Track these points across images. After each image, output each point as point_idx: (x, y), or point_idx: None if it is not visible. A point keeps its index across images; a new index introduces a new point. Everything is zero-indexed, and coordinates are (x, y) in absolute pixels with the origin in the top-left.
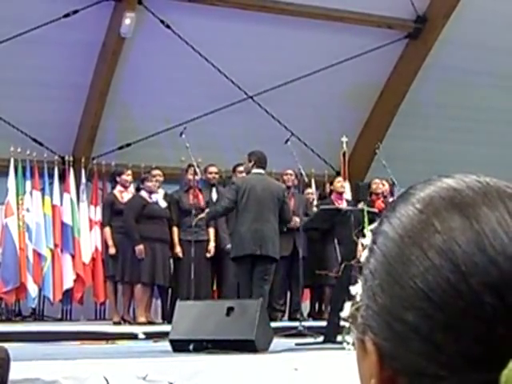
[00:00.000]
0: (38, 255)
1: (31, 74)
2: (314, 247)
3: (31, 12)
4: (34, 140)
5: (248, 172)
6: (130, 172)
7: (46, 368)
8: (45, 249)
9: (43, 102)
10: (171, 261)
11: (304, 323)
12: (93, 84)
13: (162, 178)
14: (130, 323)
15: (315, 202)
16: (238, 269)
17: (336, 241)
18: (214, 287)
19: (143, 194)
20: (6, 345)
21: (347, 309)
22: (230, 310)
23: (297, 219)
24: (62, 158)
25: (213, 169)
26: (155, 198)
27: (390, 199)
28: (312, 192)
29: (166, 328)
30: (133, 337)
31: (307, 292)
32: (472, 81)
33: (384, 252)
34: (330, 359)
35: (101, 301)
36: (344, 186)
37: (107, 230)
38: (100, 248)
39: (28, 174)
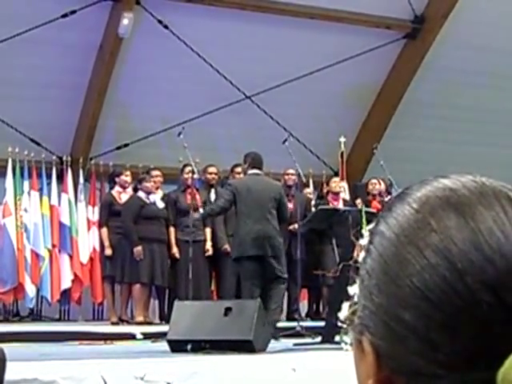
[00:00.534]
0: (36, 255)
1: (29, 74)
2: (310, 248)
3: (29, 12)
4: (32, 140)
5: (244, 173)
6: (128, 173)
7: (43, 368)
8: (43, 249)
9: (41, 102)
10: (169, 261)
11: (302, 323)
12: (91, 84)
13: (161, 179)
14: (127, 323)
15: (313, 202)
16: (240, 270)
17: (334, 241)
18: (212, 287)
19: (141, 194)
20: (3, 345)
21: (345, 309)
22: (227, 310)
23: (295, 225)
24: (60, 159)
25: (212, 169)
26: (153, 198)
27: (387, 199)
28: (310, 192)
29: (164, 328)
30: (131, 337)
31: (305, 292)
32: (470, 81)
33: (380, 252)
34: (328, 359)
35: (99, 301)
36: (340, 186)
37: (104, 230)
38: (98, 248)
39: (26, 174)
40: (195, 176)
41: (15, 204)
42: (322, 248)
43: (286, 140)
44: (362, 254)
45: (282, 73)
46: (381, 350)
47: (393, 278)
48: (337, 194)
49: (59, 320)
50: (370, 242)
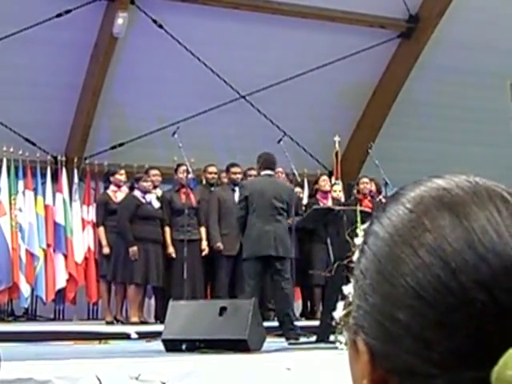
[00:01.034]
0: (31, 255)
1: (24, 74)
2: (302, 247)
3: (24, 12)
4: (27, 140)
5: (258, 174)
6: (123, 172)
7: (38, 368)
8: (37, 249)
9: (36, 101)
10: (164, 261)
11: (297, 323)
12: (85, 84)
13: (160, 178)
14: (122, 323)
15: (305, 202)
16: (249, 270)
17: (328, 241)
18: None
19: (137, 193)
20: None
21: (340, 309)
22: (222, 309)
23: (289, 221)
24: (55, 158)
25: (212, 169)
26: (149, 198)
27: (377, 199)
28: (301, 191)
29: (159, 328)
30: (125, 337)
31: (298, 291)
32: (464, 80)
33: (374, 251)
34: (323, 359)
35: (93, 301)
36: (335, 188)
37: (101, 229)
38: (93, 248)
39: (20, 173)
40: (190, 176)
41: (10, 203)
42: (311, 247)
43: (280, 139)
44: (356, 254)
45: (277, 72)
46: (375, 350)
47: (387, 277)
48: (326, 192)
49: (54, 319)
50: (365, 241)
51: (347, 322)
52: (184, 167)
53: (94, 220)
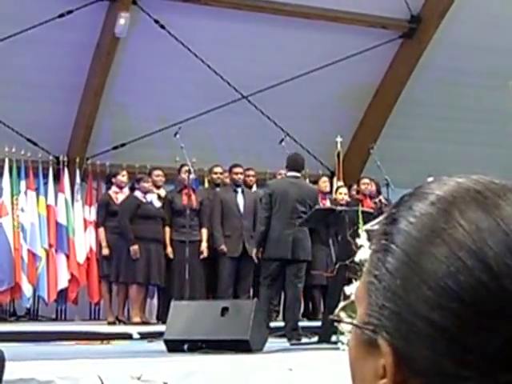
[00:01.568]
0: (33, 255)
1: (26, 74)
2: None
3: (26, 12)
4: (29, 140)
5: (285, 175)
6: (125, 173)
7: (40, 368)
8: (39, 249)
9: (38, 102)
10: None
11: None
12: (87, 84)
13: (163, 178)
14: (124, 323)
15: None
16: (266, 270)
17: (330, 241)
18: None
19: (138, 194)
20: (0, 345)
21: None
22: (224, 310)
23: None
24: (57, 158)
25: (218, 169)
26: (150, 197)
27: (377, 199)
28: None
29: (161, 328)
30: (127, 337)
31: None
32: (466, 81)
33: (407, 251)
34: (325, 359)
35: (95, 301)
36: (340, 191)
37: (101, 230)
38: (94, 248)
39: (23, 174)
40: (191, 176)
41: (12, 204)
42: (313, 247)
43: (282, 140)
44: (377, 255)
45: (279, 73)
46: (401, 351)
47: (422, 277)
48: (325, 193)
49: (56, 320)
50: (391, 241)
51: (340, 317)
52: (186, 167)
53: (96, 220)
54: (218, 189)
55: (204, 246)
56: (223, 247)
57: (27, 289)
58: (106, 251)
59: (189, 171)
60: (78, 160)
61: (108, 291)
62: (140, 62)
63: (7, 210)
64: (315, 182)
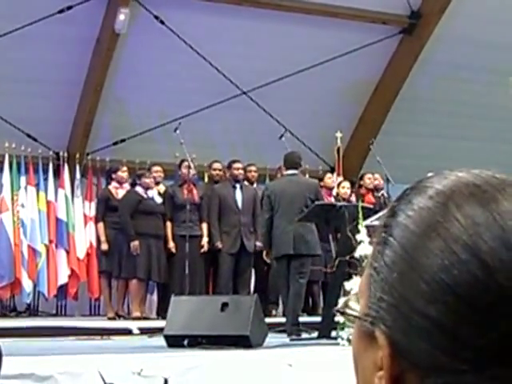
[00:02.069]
0: (33, 251)
1: (25, 70)
2: None
3: (25, 8)
4: (29, 136)
5: (282, 175)
6: (125, 168)
7: (40, 363)
8: (39, 244)
9: (38, 97)
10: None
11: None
12: (87, 80)
13: (162, 174)
14: (124, 318)
15: None
16: (277, 269)
17: (330, 237)
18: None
19: (138, 189)
20: (0, 340)
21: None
22: (224, 305)
23: None
24: (57, 154)
25: (217, 165)
26: (151, 193)
27: (380, 193)
28: None
29: (161, 323)
30: (127, 332)
31: None
32: (466, 77)
33: (404, 245)
34: (325, 355)
35: (95, 296)
36: (343, 185)
37: (100, 225)
38: (95, 244)
39: (23, 169)
40: (191, 171)
41: (12, 199)
42: None
43: (282, 135)
44: (377, 247)
45: (279, 68)
46: (398, 344)
47: (418, 271)
48: (331, 189)
49: (56, 315)
50: (389, 234)
51: (345, 310)
52: (187, 163)
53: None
54: (216, 185)
55: (205, 240)
56: (218, 244)
57: (27, 284)
58: (104, 246)
59: (188, 167)
60: (77, 156)
61: (108, 287)
62: (140, 57)
63: (7, 205)
64: (320, 179)
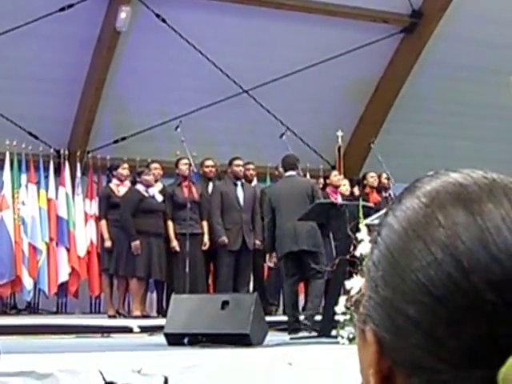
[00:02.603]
0: (34, 248)
1: (27, 68)
2: None
3: (26, 6)
4: (30, 134)
5: (280, 177)
6: (126, 166)
7: (40, 361)
8: (40, 242)
9: (39, 95)
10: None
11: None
12: (88, 78)
13: (160, 172)
14: (124, 317)
15: None
16: (283, 269)
17: (331, 235)
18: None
19: (139, 187)
20: (1, 337)
21: (342, 303)
22: (224, 303)
23: None
24: (58, 152)
25: (209, 162)
26: (152, 191)
27: (387, 193)
28: None
29: (161, 321)
30: (128, 330)
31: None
32: (467, 76)
33: (388, 244)
34: (325, 353)
35: (96, 294)
36: (343, 182)
37: (103, 223)
38: (95, 241)
39: (23, 167)
40: (192, 169)
41: (13, 197)
42: None
43: (283, 134)
44: (368, 246)
45: (280, 67)
46: (383, 341)
47: (398, 271)
48: (336, 187)
49: (56, 313)
50: (378, 233)
51: (359, 306)
52: (185, 160)
53: (97, 213)
54: (218, 182)
55: (206, 238)
56: (224, 238)
57: (28, 282)
58: (108, 243)
59: (189, 164)
60: (78, 153)
61: (109, 285)
62: (141, 55)
63: (8, 203)
64: (326, 177)
